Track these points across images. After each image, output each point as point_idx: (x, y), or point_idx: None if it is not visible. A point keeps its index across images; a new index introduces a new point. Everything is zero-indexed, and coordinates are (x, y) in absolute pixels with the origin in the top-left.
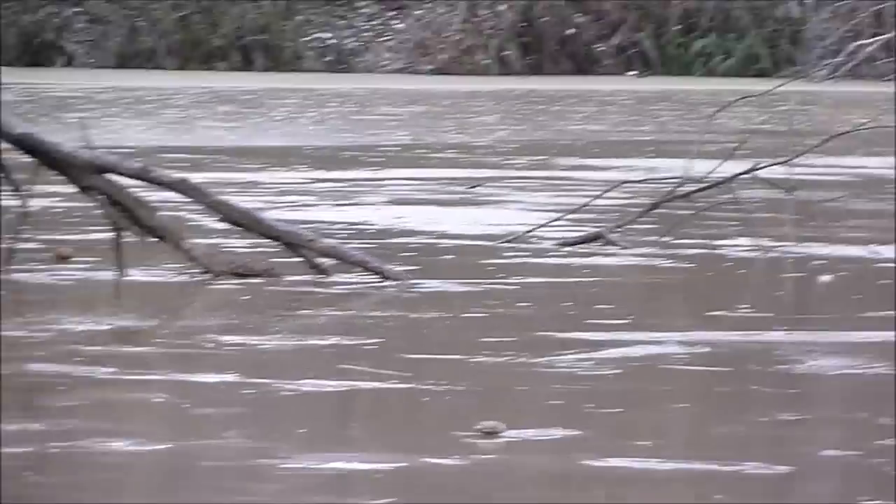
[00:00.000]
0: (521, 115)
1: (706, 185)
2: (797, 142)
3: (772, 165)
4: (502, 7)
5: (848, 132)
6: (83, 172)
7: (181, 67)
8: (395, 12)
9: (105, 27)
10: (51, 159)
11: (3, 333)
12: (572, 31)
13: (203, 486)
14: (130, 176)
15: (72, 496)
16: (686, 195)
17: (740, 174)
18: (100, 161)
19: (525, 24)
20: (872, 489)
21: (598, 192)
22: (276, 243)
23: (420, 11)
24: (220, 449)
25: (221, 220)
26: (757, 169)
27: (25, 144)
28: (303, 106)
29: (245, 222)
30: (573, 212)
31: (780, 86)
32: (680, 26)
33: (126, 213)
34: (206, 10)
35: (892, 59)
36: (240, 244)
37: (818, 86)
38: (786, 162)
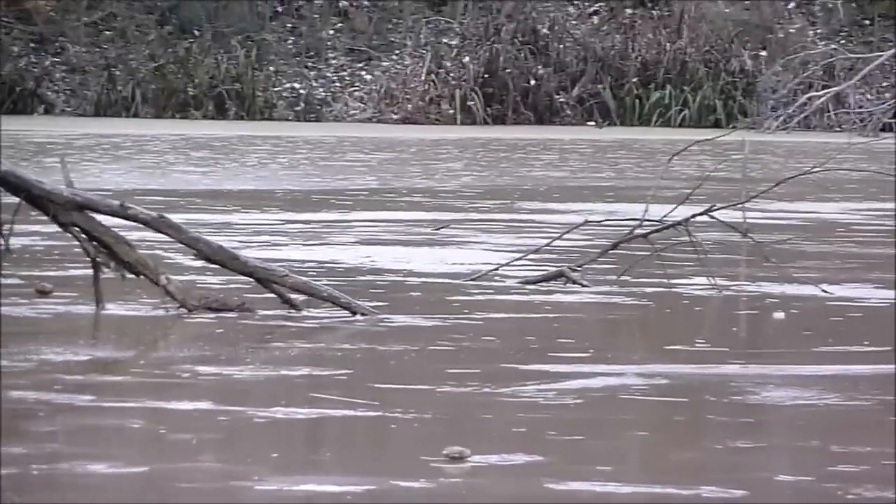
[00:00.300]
0: (484, 162)
1: (663, 226)
2: (750, 188)
3: (726, 208)
4: (467, 59)
5: (796, 176)
6: (63, 210)
7: (157, 115)
8: (363, 64)
9: (83, 76)
10: (32, 197)
11: None
12: (534, 82)
13: None
14: (109, 213)
15: None
16: (645, 235)
17: (696, 215)
18: (79, 199)
19: (488, 75)
20: None
21: (559, 234)
22: (249, 279)
23: (387, 63)
24: (196, 472)
25: (197, 256)
26: (711, 211)
27: (7, 182)
28: (274, 152)
29: (219, 259)
30: (536, 251)
31: (726, 133)
32: (638, 79)
33: (105, 249)
34: (182, 60)
35: (840, 110)
36: (214, 280)
37: (771, 136)
38: (739, 205)
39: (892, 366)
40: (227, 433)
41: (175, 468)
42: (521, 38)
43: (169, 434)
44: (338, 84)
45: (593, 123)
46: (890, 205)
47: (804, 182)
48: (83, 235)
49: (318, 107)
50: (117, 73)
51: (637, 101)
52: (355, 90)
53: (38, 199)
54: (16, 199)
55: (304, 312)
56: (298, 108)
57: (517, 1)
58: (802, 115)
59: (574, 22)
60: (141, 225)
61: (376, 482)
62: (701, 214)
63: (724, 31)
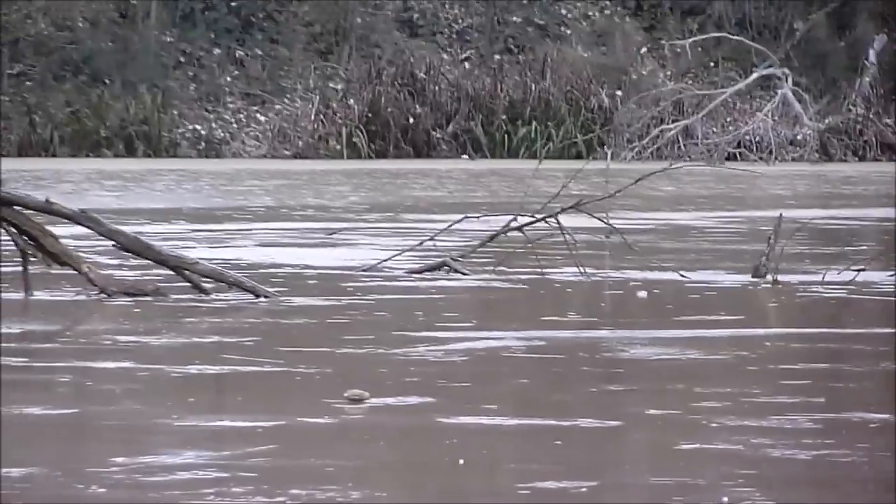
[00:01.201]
0: (369, 186)
1: (535, 219)
2: (611, 200)
3: (593, 200)
4: (351, 101)
5: (631, 184)
6: None
7: (73, 155)
8: (257, 107)
9: (7, 121)
10: None
11: None
12: (413, 120)
13: (102, 443)
14: (35, 209)
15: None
16: (520, 228)
17: (565, 209)
18: (9, 195)
19: (371, 114)
20: (690, 436)
21: (441, 230)
22: (162, 272)
23: (279, 106)
24: (119, 413)
25: (116, 246)
26: (580, 205)
27: None
28: (179, 181)
29: (136, 248)
30: (420, 245)
31: (580, 168)
32: (506, 116)
33: (33, 241)
34: (95, 106)
35: (689, 141)
36: (130, 274)
37: (627, 165)
38: (603, 199)
39: (748, 330)
40: (146, 384)
41: (101, 410)
42: (400, 81)
43: (94, 386)
44: (235, 125)
45: (466, 156)
46: (735, 212)
47: (662, 198)
48: (13, 229)
49: (218, 145)
50: (37, 118)
51: (506, 136)
52: (251, 130)
53: None
54: None
55: (213, 296)
56: (200, 147)
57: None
58: (655, 147)
59: (448, 67)
60: (64, 220)
61: (284, 419)
62: (570, 208)
63: (583, 73)
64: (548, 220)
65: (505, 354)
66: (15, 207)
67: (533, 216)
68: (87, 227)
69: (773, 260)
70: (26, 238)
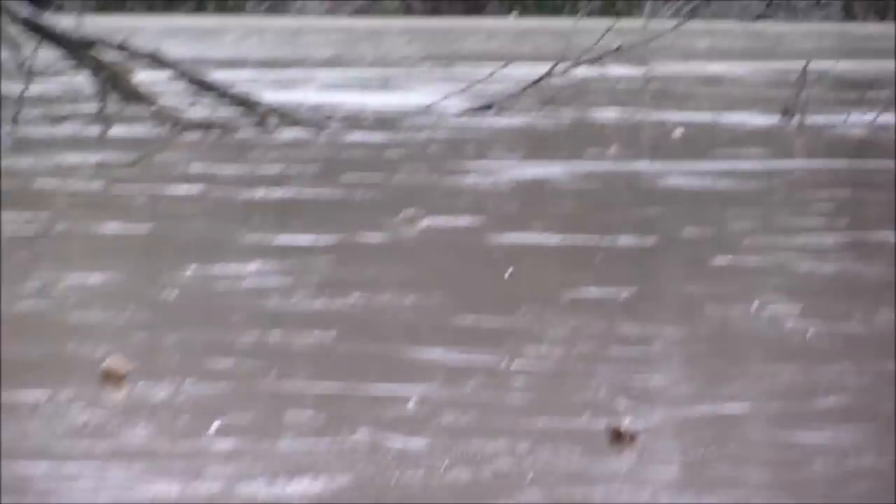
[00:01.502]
0: (424, 41)
1: (579, 61)
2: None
3: (632, 48)
4: None
5: (667, 31)
6: (76, 46)
7: (147, 11)
8: None
9: None
10: (50, 35)
11: (5, 162)
12: None
13: (175, 254)
14: (113, 48)
15: (67, 262)
16: (563, 72)
17: (608, 53)
18: (89, 37)
19: None
20: (723, 252)
21: (490, 74)
22: (230, 110)
23: None
24: (191, 231)
25: (189, 83)
26: (619, 49)
27: (30, 24)
28: (247, 35)
29: (206, 87)
30: (469, 87)
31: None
32: None
33: (110, 79)
34: None
35: (722, 1)
36: (200, 112)
37: (666, 23)
38: (636, 48)
39: (776, 162)
40: (215, 205)
41: (174, 227)
42: None
43: (167, 207)
44: None
45: (514, 14)
46: (765, 64)
47: (697, 50)
48: (93, 67)
49: (282, 3)
50: None
51: None
52: None
53: (55, 37)
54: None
55: (277, 132)
56: (267, 3)
57: None
58: (691, 6)
59: None
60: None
61: (343, 236)
62: (611, 53)
63: None
64: (590, 63)
65: (550, 184)
66: (93, 48)
67: (577, 60)
68: (162, 66)
69: (799, 103)
70: (105, 75)
